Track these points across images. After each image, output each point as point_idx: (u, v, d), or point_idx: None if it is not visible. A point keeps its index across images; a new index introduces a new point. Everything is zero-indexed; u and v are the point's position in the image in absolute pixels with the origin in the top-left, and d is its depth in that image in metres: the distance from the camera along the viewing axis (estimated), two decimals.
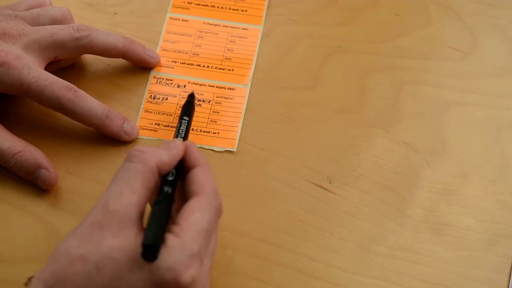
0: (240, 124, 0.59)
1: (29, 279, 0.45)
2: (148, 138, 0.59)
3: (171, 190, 0.47)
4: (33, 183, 0.55)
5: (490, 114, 0.61)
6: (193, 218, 0.45)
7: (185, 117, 0.54)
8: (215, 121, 0.59)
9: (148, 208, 0.47)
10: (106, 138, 0.58)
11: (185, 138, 0.53)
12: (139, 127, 0.59)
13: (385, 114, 0.60)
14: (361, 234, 0.55)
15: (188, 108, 0.55)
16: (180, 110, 0.56)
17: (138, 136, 0.59)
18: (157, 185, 0.48)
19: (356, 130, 0.59)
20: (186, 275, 0.43)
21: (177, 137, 0.52)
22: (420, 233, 0.55)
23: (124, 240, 0.43)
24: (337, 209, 0.56)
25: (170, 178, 0.48)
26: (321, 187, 0.57)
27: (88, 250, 0.43)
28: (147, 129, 0.59)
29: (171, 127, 0.59)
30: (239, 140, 0.59)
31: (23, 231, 0.54)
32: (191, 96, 0.57)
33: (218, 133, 0.59)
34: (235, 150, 0.58)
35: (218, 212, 0.47)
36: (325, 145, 0.59)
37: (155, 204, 0.46)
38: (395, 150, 0.59)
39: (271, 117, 0.60)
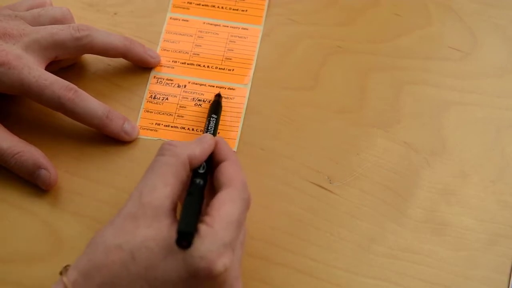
0: (240, 124, 0.59)
1: (65, 267, 0.46)
2: (148, 138, 0.59)
3: (202, 182, 0.49)
4: (33, 183, 0.55)
5: (490, 114, 0.61)
6: (224, 209, 0.46)
7: (213, 115, 0.56)
8: None
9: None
10: (106, 138, 0.58)
11: (214, 134, 0.55)
12: (139, 127, 0.59)
13: (385, 114, 0.60)
14: (361, 234, 0.55)
15: (217, 106, 0.58)
16: (178, 109, 0.56)
17: (139, 136, 0.59)
18: (189, 178, 0.49)
19: (356, 130, 0.59)
20: (219, 264, 0.44)
21: (206, 132, 0.54)
22: (420, 233, 0.55)
23: (158, 230, 0.45)
24: (337, 209, 0.56)
25: (201, 171, 0.49)
26: (321, 187, 0.57)
27: (124, 240, 0.45)
28: (147, 129, 0.59)
29: (172, 127, 0.59)
30: (239, 140, 0.59)
31: (23, 231, 0.54)
32: (218, 96, 0.59)
33: (218, 133, 0.59)
34: (235, 150, 0.58)
35: (247, 204, 0.48)
36: (325, 145, 0.59)
37: (188, 194, 0.47)
38: (395, 150, 0.59)
39: (271, 117, 0.60)
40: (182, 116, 0.60)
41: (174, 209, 0.47)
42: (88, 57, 0.62)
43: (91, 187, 0.56)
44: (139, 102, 0.60)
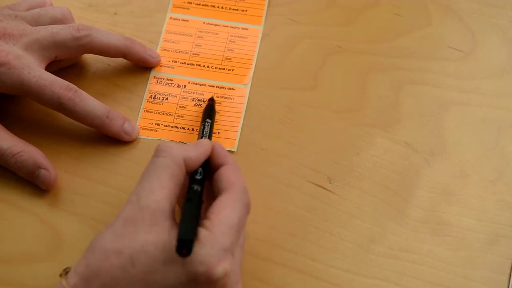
0: (240, 124, 0.59)
1: (65, 270, 0.46)
2: (148, 138, 0.59)
3: (200, 188, 0.48)
4: (33, 183, 0.55)
5: (490, 114, 0.61)
6: (224, 213, 0.46)
7: (208, 120, 0.56)
8: (215, 121, 0.59)
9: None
10: (106, 138, 0.58)
11: (209, 139, 0.54)
12: (139, 127, 0.59)
13: (385, 114, 0.60)
14: (361, 234, 0.55)
15: (210, 110, 0.57)
16: (178, 109, 0.56)
17: (138, 136, 0.59)
18: (186, 180, 0.49)
19: (356, 130, 0.59)
20: (219, 269, 0.44)
21: (201, 138, 0.54)
22: (420, 233, 0.55)
23: (157, 234, 0.45)
24: (337, 209, 0.56)
25: (199, 177, 0.49)
26: (321, 187, 0.57)
27: (123, 244, 0.44)
28: (147, 129, 0.59)
29: (171, 127, 0.59)
30: (239, 140, 0.59)
31: (23, 231, 0.54)
32: (212, 100, 0.59)
33: (218, 133, 0.59)
34: (235, 150, 0.58)
35: (247, 208, 0.48)
36: (325, 145, 0.59)
37: (186, 201, 0.47)
38: (395, 150, 0.59)
39: (271, 117, 0.60)
40: (182, 116, 0.60)
41: (172, 211, 0.47)
42: (88, 57, 0.62)
43: (91, 187, 0.56)
44: (139, 102, 0.60)
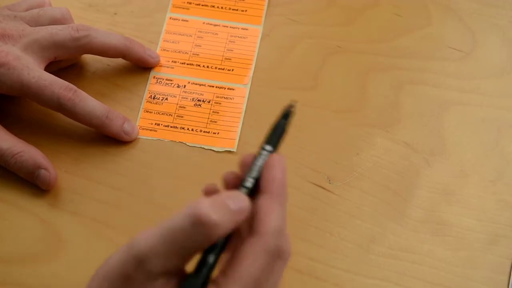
0: (240, 124, 0.59)
1: None
2: (148, 138, 0.59)
3: (213, 260, 0.39)
4: (33, 183, 0.55)
5: (490, 114, 0.61)
6: (240, 268, 0.38)
7: (267, 147, 0.42)
8: (215, 121, 0.59)
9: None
10: (106, 138, 0.58)
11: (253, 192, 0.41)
12: (139, 127, 0.59)
13: (385, 114, 0.60)
14: (361, 234, 0.55)
15: (282, 130, 0.43)
16: (177, 109, 0.56)
17: (138, 136, 0.59)
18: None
19: (356, 130, 0.59)
20: None
21: (243, 186, 0.41)
22: (420, 233, 0.55)
23: None
24: (337, 209, 0.56)
25: (219, 243, 0.39)
26: (321, 187, 0.57)
27: None
28: (147, 129, 0.59)
29: (171, 127, 0.59)
30: (239, 140, 0.59)
31: (22, 231, 0.54)
32: (291, 107, 0.44)
33: (218, 133, 0.59)
34: (235, 150, 0.58)
35: (275, 256, 0.39)
36: (325, 145, 0.59)
37: (193, 274, 0.38)
38: (395, 150, 0.59)
39: (271, 117, 0.60)
40: (182, 116, 0.60)
41: (178, 274, 0.39)
42: (88, 57, 0.62)
43: (90, 187, 0.56)
44: (139, 102, 0.60)
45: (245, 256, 0.38)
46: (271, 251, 0.38)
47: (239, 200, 0.39)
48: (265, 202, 0.39)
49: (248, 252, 0.38)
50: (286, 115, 0.44)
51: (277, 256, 0.39)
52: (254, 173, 0.41)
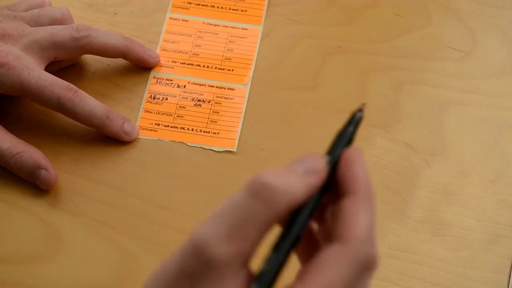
0: (240, 124, 0.59)
1: None
2: (148, 138, 0.59)
3: (280, 262, 0.34)
4: (33, 183, 0.55)
5: (490, 114, 0.61)
6: (322, 277, 0.33)
7: (350, 128, 0.39)
8: (215, 121, 0.59)
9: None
10: (106, 138, 0.58)
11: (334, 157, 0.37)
12: (138, 127, 0.59)
13: (385, 114, 0.60)
14: None
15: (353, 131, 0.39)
16: (178, 109, 0.56)
17: (138, 136, 0.59)
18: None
19: None
20: None
21: (329, 152, 0.37)
22: (420, 233, 0.55)
23: None
24: None
25: (290, 239, 0.34)
26: None
27: None
28: (147, 129, 0.59)
29: (171, 127, 0.59)
30: (239, 140, 0.59)
31: (22, 231, 0.54)
32: (360, 111, 0.40)
33: (218, 133, 0.59)
34: (235, 150, 0.58)
35: (363, 266, 0.34)
36: (325, 145, 0.58)
37: (256, 279, 0.33)
38: (395, 150, 0.59)
39: (271, 117, 0.60)
40: (182, 116, 0.60)
41: (246, 267, 0.34)
42: (88, 57, 0.62)
43: (90, 187, 0.56)
44: (139, 102, 0.60)
45: (328, 265, 0.33)
46: (359, 261, 0.34)
47: (310, 162, 0.35)
48: (351, 203, 0.35)
49: (330, 261, 0.33)
50: (353, 122, 0.39)
51: (366, 267, 0.34)
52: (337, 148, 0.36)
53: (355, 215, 0.34)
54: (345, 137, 0.38)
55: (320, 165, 0.35)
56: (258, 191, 0.33)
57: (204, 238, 0.32)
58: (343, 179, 0.36)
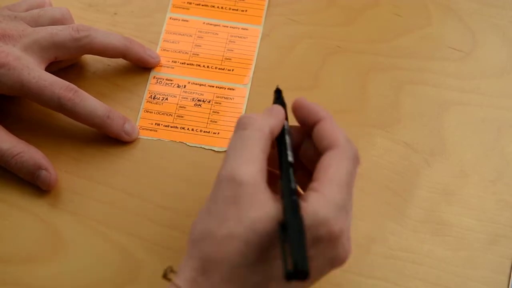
0: None
1: (169, 269, 0.44)
2: (148, 138, 0.59)
3: (295, 198, 0.44)
4: (33, 184, 0.55)
5: (490, 114, 0.61)
6: (330, 172, 0.45)
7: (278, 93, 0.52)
8: (215, 121, 0.59)
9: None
10: (106, 139, 0.58)
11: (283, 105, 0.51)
12: (139, 127, 0.59)
13: (385, 114, 0.60)
14: (361, 234, 0.55)
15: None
16: (178, 109, 0.56)
17: (138, 136, 0.59)
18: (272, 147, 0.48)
19: (356, 130, 0.59)
20: (335, 228, 0.43)
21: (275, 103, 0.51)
22: (420, 233, 0.55)
23: (261, 209, 0.43)
24: None
25: (291, 160, 0.47)
26: None
27: (232, 227, 0.43)
28: (147, 129, 0.59)
29: (171, 127, 0.59)
30: None
31: (23, 231, 0.54)
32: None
33: (218, 133, 0.59)
34: None
35: (354, 161, 0.46)
36: None
37: (289, 218, 0.43)
38: (395, 150, 0.59)
39: None
40: (182, 116, 0.60)
41: (266, 183, 0.45)
42: (88, 58, 0.62)
43: (91, 187, 0.56)
44: (139, 102, 0.60)
45: (331, 164, 0.45)
46: (350, 157, 0.46)
47: (270, 107, 0.49)
48: (326, 123, 0.47)
49: (332, 160, 0.45)
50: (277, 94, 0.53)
51: (356, 161, 0.46)
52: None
53: (333, 129, 0.47)
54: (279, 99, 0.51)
55: (279, 108, 0.49)
56: (247, 123, 0.46)
57: (230, 170, 0.44)
58: (310, 113, 0.49)
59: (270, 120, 0.47)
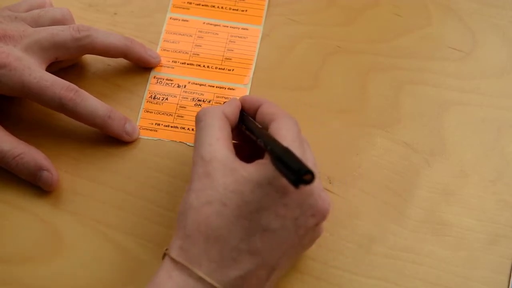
0: None
1: (166, 250, 0.48)
2: (148, 138, 0.59)
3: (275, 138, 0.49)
4: (34, 184, 0.55)
5: (490, 114, 0.61)
6: (281, 134, 0.49)
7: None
8: None
9: None
10: (106, 139, 0.58)
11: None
12: (139, 127, 0.59)
13: (385, 114, 0.60)
14: (361, 234, 0.55)
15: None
16: (178, 109, 0.56)
17: (139, 136, 0.59)
18: (231, 132, 0.52)
19: (356, 130, 0.60)
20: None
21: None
22: (420, 233, 0.55)
23: (234, 174, 0.47)
24: (337, 209, 0.56)
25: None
26: None
27: (208, 195, 0.47)
28: (147, 129, 0.59)
29: (171, 127, 0.59)
30: None
31: (23, 232, 0.54)
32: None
33: None
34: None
35: (297, 124, 0.50)
36: (325, 145, 0.59)
37: (277, 147, 0.47)
38: (395, 150, 0.59)
39: None
40: (182, 116, 0.60)
41: (234, 154, 0.49)
42: (88, 58, 0.62)
43: (91, 187, 0.56)
44: (139, 102, 0.60)
45: (279, 129, 0.49)
46: (294, 121, 0.50)
47: (234, 99, 0.55)
48: (266, 105, 0.52)
49: (278, 126, 0.49)
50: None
51: (297, 123, 0.51)
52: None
53: (273, 108, 0.52)
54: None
55: (235, 98, 0.54)
56: (201, 115, 0.51)
57: (198, 153, 0.49)
58: (252, 103, 0.54)
59: (223, 106, 0.52)
